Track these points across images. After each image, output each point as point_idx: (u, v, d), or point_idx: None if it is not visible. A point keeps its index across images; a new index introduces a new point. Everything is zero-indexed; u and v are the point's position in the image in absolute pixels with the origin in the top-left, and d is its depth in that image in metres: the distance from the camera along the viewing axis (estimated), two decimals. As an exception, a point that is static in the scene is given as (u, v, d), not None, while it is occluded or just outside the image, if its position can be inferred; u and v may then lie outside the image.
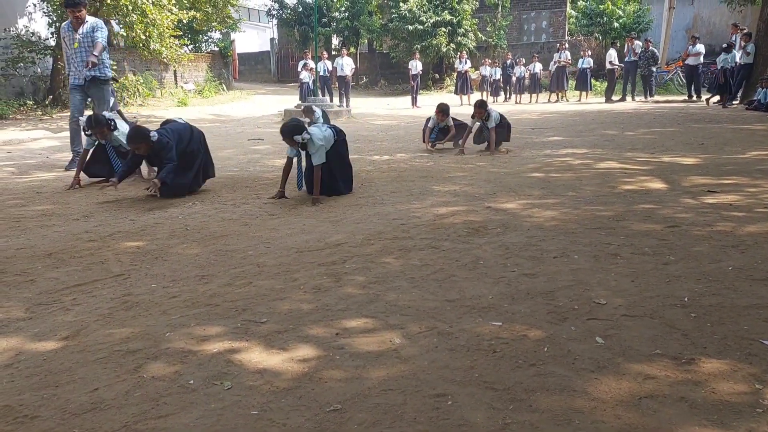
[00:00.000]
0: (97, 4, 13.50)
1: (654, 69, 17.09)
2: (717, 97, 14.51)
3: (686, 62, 15.88)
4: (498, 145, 7.65)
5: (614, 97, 17.29)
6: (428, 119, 8.25)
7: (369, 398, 1.86)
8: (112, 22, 15.57)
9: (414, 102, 18.23)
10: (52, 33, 15.34)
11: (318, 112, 9.76)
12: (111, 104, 7.18)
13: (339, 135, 5.23)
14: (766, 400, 1.78)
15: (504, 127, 7.74)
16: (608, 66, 17.56)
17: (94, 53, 6.63)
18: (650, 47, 16.60)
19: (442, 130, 8.15)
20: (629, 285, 2.76)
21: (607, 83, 17.93)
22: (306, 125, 4.97)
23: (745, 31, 14.30)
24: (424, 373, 2.01)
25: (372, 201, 4.92)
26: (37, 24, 15.21)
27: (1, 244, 3.87)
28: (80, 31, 6.70)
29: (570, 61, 18.49)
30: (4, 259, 3.53)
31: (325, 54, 18.78)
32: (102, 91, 6.88)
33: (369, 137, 10.35)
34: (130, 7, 13.45)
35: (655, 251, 3.25)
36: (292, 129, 4.90)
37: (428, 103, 18.58)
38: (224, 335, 2.35)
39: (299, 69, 17.67)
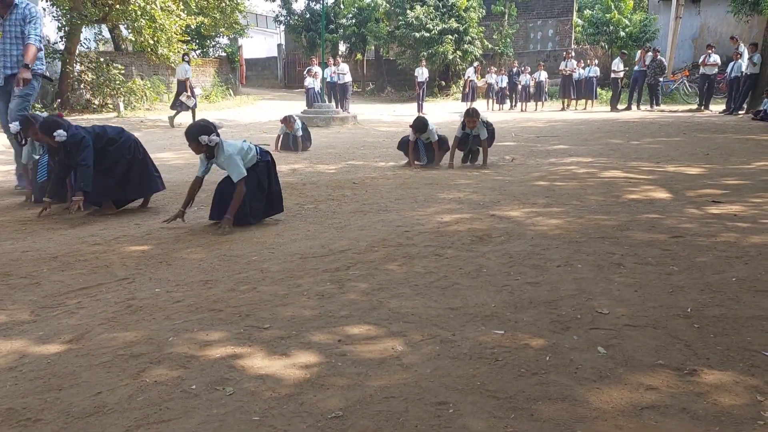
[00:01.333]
0: (106, 9, 13.63)
1: (661, 79, 17.09)
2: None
3: (702, 72, 15.83)
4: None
5: (620, 106, 17.29)
6: (407, 138, 7.52)
7: (371, 405, 1.86)
8: (120, 26, 15.71)
9: (420, 109, 18.30)
10: (61, 37, 15.49)
11: (298, 122, 9.65)
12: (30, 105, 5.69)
13: (263, 156, 4.49)
14: (769, 412, 1.77)
15: (490, 133, 7.35)
16: (613, 75, 17.57)
17: (26, 62, 5.29)
18: (658, 56, 16.61)
19: (425, 145, 7.47)
20: (632, 295, 2.76)
21: (612, 92, 17.93)
22: (218, 132, 4.26)
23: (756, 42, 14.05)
24: (426, 380, 2.01)
25: (376, 208, 4.93)
26: (46, 28, 15.32)
27: (7, 247, 3.90)
28: (7, 17, 5.43)
29: (576, 69, 18.50)
30: (10, 261, 3.56)
31: (332, 60, 18.86)
32: (28, 85, 5.47)
33: (375, 143, 10.38)
34: (139, 12, 13.59)
35: (658, 261, 3.24)
36: (198, 129, 4.15)
37: (434, 110, 18.63)
38: (227, 340, 2.36)
39: (305, 75, 17.78)
